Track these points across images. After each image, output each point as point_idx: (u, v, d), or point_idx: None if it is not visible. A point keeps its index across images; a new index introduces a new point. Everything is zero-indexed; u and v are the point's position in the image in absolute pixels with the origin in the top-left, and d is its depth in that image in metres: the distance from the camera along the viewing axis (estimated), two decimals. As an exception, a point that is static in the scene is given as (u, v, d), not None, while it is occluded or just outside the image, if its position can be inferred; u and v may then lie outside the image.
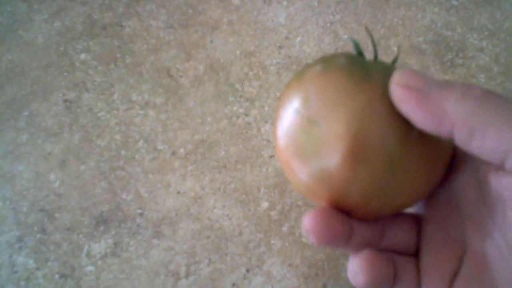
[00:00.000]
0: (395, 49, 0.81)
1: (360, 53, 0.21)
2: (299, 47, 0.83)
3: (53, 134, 0.79)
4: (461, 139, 0.16)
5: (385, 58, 0.81)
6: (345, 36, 0.84)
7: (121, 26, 0.89)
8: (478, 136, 0.15)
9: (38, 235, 0.71)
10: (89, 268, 0.68)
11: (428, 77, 0.17)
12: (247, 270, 0.66)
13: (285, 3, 0.88)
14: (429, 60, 0.80)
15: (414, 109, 0.16)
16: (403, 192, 0.18)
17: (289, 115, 0.19)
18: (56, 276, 0.68)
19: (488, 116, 0.15)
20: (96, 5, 0.92)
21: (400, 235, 0.22)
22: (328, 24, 0.85)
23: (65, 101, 0.82)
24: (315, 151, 0.18)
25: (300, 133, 0.18)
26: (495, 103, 0.15)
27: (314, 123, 0.18)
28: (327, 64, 0.19)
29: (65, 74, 0.85)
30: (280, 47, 0.84)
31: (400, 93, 0.17)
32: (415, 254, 0.21)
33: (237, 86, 0.81)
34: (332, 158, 0.18)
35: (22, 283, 0.67)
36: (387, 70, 0.19)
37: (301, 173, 0.19)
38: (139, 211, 0.72)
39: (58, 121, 0.80)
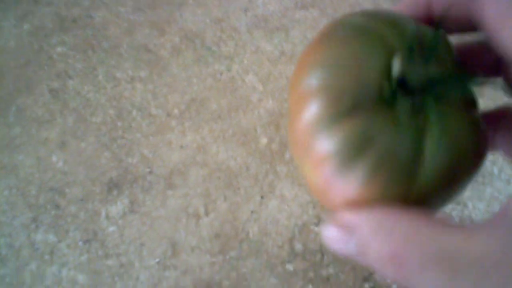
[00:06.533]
0: (346, -6, 0.92)
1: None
2: (263, 6, 0.92)
3: (46, 122, 0.81)
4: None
5: (342, 2, 0.91)
6: (301, -8, 0.93)
7: (91, 17, 0.94)
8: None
9: (53, 212, 0.72)
10: (111, 228, 0.70)
11: None
12: (262, 197, 0.71)
13: (241, -27, 0.97)
14: (381, 0, 0.91)
15: None
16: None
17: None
18: (80, 243, 0.69)
19: None
20: (61, 3, 0.96)
21: None
22: (284, -15, 0.94)
23: (51, 90, 0.85)
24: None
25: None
26: None
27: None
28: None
29: (45, 67, 0.88)
30: (246, 10, 0.92)
31: None
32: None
33: (214, 48, 0.87)
34: None
35: (47, 257, 0.68)
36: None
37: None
38: (148, 170, 0.75)
39: (48, 110, 0.83)
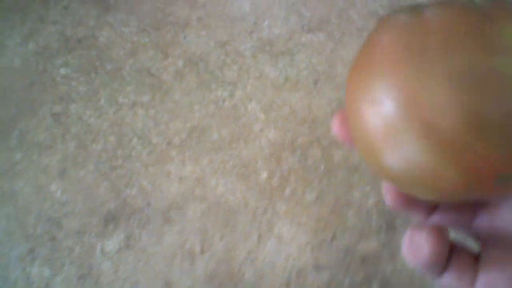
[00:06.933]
0: (356, 17, 0.88)
1: None
2: (268, 29, 0.89)
3: (47, 147, 0.81)
4: None
5: (349, 25, 0.87)
6: (309, 14, 0.90)
7: (95, 37, 0.92)
8: None
9: (49, 244, 0.72)
10: (106, 264, 0.69)
11: None
12: (259, 236, 0.69)
13: (248, -8, 0.94)
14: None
15: None
16: None
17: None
18: (75, 278, 0.69)
19: None
20: (67, 22, 0.95)
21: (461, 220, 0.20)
22: (291, 6, 0.91)
23: (53, 114, 0.84)
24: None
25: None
26: None
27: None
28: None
29: (49, 89, 0.87)
30: (251, 32, 0.89)
31: None
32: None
33: (217, 73, 0.85)
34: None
35: (42, 290, 0.68)
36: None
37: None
38: (146, 202, 0.74)
39: (50, 134, 0.82)
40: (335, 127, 0.21)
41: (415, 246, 0.17)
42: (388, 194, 0.20)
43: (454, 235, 0.18)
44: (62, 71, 0.89)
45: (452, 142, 0.15)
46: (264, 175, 0.74)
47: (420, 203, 0.20)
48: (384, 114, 0.16)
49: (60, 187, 0.76)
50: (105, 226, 0.72)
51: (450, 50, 0.15)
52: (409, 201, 0.20)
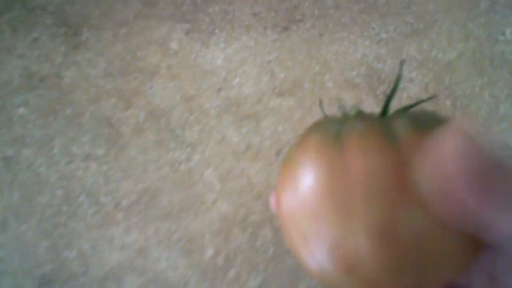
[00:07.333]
0: (330, 85, 0.84)
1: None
2: (238, 88, 0.85)
3: (-8, 195, 0.77)
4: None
5: (322, 93, 0.83)
6: (282, 75, 0.85)
7: (60, 77, 0.89)
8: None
9: (-22, 304, 0.69)
10: (32, 334, 0.66)
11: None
12: (194, 322, 0.66)
13: (222, 44, 0.90)
14: (363, 93, 0.82)
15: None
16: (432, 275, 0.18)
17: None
18: None
19: None
20: (33, 57, 0.91)
21: None
22: (265, 64, 0.87)
23: (3, 158, 0.81)
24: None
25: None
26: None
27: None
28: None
29: (3, 129, 0.83)
30: (219, 90, 0.85)
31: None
32: None
33: (178, 131, 0.81)
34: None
35: None
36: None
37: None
38: (83, 268, 0.70)
39: (-3, 180, 0.79)
40: (272, 205, 0.21)
41: None
42: None
43: None
44: (21, 110, 0.85)
45: (371, 281, 0.17)
46: (209, 252, 0.70)
47: None
48: (313, 254, 0.18)
49: (-2, 241, 0.73)
50: (37, 292, 0.69)
51: (371, 202, 0.17)
52: None
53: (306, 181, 0.18)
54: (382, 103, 0.81)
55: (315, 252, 0.18)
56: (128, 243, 0.72)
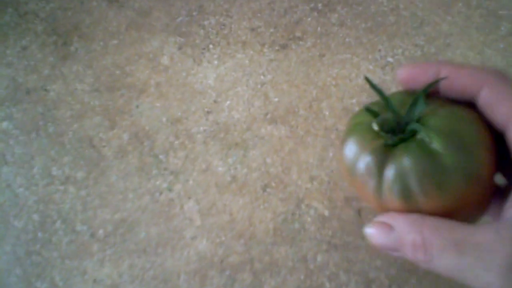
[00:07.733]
0: (327, 113, 0.77)
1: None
2: (228, 112, 0.79)
3: (-31, 215, 0.75)
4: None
5: (317, 122, 0.77)
6: (276, 99, 0.79)
7: (46, 90, 0.85)
8: None
9: None
10: None
11: None
12: None
13: (215, 62, 0.84)
14: (362, 125, 0.76)
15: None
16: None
17: None
18: None
19: None
20: (21, 67, 0.88)
21: None
22: (259, 86, 0.81)
23: (-17, 176, 0.78)
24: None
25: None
26: None
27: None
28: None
29: (-15, 145, 0.81)
30: (208, 113, 0.80)
31: None
32: None
33: (161, 157, 0.77)
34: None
35: None
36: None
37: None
38: (53, 302, 0.68)
39: (-25, 200, 0.76)
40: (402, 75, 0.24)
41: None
42: None
43: None
44: (4, 125, 0.82)
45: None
46: (183, 294, 0.66)
47: None
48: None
49: (-29, 266, 0.71)
50: (4, 325, 0.67)
51: None
52: None
53: None
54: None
55: None
56: (101, 277, 0.68)
